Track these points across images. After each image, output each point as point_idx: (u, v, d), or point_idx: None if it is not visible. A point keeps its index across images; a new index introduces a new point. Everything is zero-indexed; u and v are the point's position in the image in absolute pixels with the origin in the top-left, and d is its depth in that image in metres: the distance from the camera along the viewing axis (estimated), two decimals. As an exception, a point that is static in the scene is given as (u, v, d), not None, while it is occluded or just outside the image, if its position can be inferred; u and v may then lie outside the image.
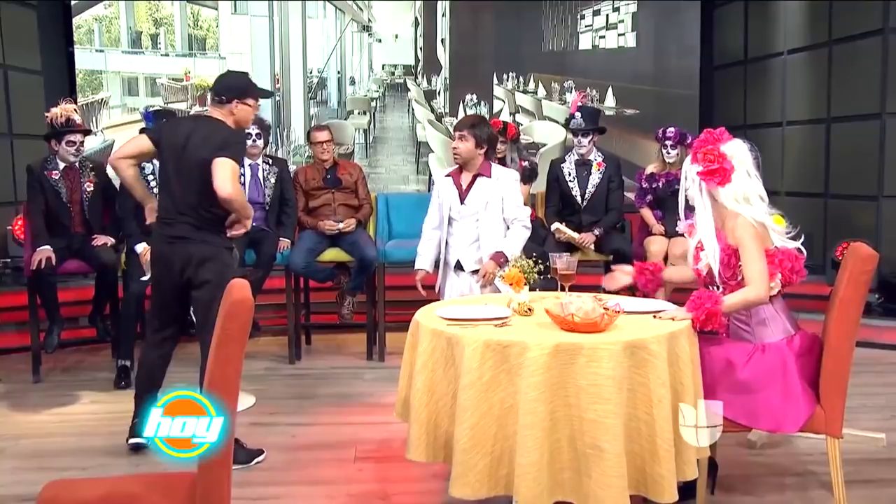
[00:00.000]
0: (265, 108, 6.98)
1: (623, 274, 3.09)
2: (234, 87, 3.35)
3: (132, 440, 3.44)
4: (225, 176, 3.15)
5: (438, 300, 3.59)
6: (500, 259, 3.73)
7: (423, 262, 3.99)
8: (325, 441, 3.65)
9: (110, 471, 3.22)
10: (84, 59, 6.95)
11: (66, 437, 3.71)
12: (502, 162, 4.78)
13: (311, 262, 4.88)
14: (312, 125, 6.66)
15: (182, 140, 3.27)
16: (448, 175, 3.96)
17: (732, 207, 2.68)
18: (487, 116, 6.92)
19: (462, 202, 3.86)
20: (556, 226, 4.89)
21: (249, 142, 4.85)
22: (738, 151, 2.72)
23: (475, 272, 3.83)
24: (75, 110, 4.61)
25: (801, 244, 2.77)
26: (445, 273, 3.96)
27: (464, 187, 3.87)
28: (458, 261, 3.87)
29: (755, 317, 2.72)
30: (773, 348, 2.68)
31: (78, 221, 4.63)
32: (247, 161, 4.92)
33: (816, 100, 6.25)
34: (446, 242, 3.93)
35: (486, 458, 2.37)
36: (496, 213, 3.83)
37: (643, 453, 2.39)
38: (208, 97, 3.49)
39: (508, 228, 3.84)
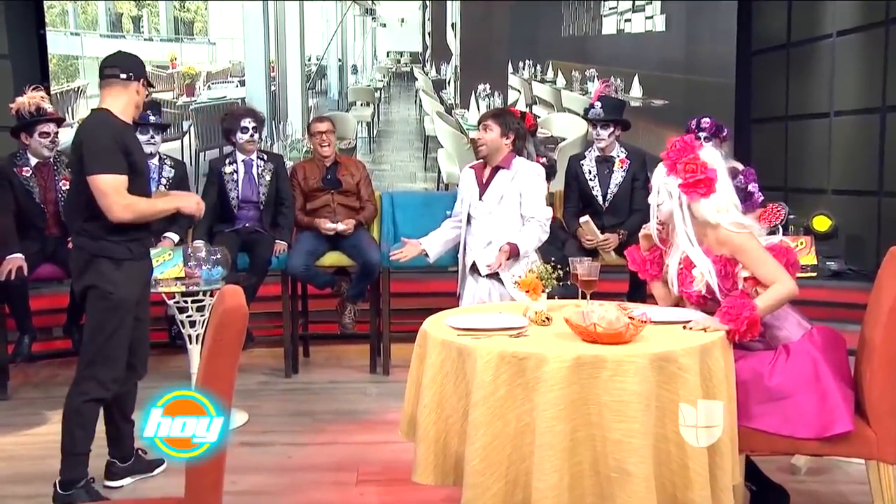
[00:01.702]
0: (260, 100, 7.05)
1: (646, 239, 3.02)
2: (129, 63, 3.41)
3: (108, 483, 3.42)
4: (105, 203, 3.03)
5: (457, 307, 3.61)
6: (514, 251, 3.74)
7: (427, 239, 4.01)
8: (325, 462, 3.67)
9: (84, 497, 3.23)
10: (57, 43, 6.97)
11: (35, 460, 3.71)
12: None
13: (310, 266, 4.92)
14: (312, 117, 6.70)
15: None
16: (472, 167, 3.98)
17: (714, 219, 2.74)
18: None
19: (480, 198, 3.88)
20: (585, 218, 4.82)
21: (246, 136, 4.88)
22: (715, 158, 2.79)
23: (491, 276, 3.84)
24: (43, 97, 4.58)
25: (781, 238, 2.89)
26: (464, 277, 3.97)
27: (484, 181, 3.89)
28: (473, 262, 3.90)
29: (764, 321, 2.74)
30: (798, 348, 2.72)
31: (52, 222, 4.66)
32: (240, 157, 4.96)
33: (869, 87, 6.22)
34: (465, 243, 3.94)
35: (500, 482, 2.38)
36: (512, 209, 3.83)
37: (674, 478, 2.40)
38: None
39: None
